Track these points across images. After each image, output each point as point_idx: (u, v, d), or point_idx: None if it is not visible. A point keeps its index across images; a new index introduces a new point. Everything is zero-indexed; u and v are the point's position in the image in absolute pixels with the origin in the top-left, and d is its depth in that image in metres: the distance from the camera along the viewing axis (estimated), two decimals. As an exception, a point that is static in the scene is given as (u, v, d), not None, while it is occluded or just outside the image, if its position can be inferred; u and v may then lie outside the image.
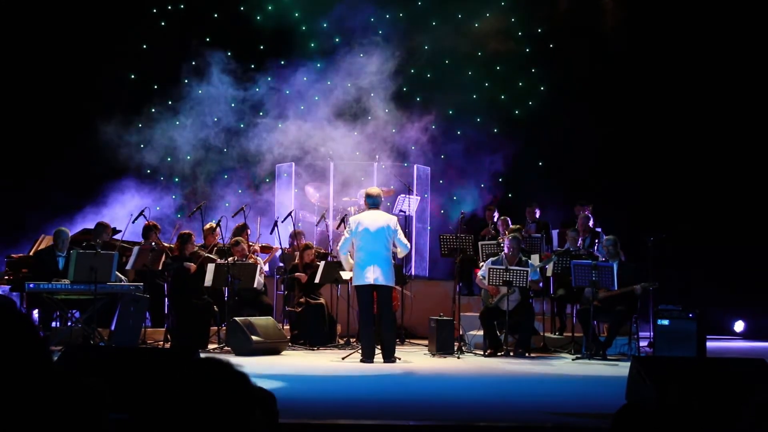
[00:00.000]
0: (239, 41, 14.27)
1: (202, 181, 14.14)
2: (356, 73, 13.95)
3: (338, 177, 13.29)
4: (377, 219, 9.07)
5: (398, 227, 9.19)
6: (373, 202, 9.22)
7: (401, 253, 9.40)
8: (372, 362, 8.78)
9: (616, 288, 9.64)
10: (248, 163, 14.33)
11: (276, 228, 11.36)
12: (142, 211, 10.88)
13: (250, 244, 11.12)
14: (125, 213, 11.69)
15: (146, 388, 1.90)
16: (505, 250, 10.06)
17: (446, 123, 14.59)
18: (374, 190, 9.55)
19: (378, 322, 9.03)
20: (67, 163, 13.18)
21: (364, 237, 8.98)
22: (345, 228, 9.61)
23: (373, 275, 8.88)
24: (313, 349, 10.07)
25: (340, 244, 9.41)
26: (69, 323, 9.37)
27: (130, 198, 13.02)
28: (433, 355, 9.63)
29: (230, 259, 10.15)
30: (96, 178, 13.21)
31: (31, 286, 8.96)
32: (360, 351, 9.02)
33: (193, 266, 10.06)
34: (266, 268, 11.23)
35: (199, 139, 14.14)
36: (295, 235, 11.57)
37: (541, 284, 10.43)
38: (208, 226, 11.21)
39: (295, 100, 14.22)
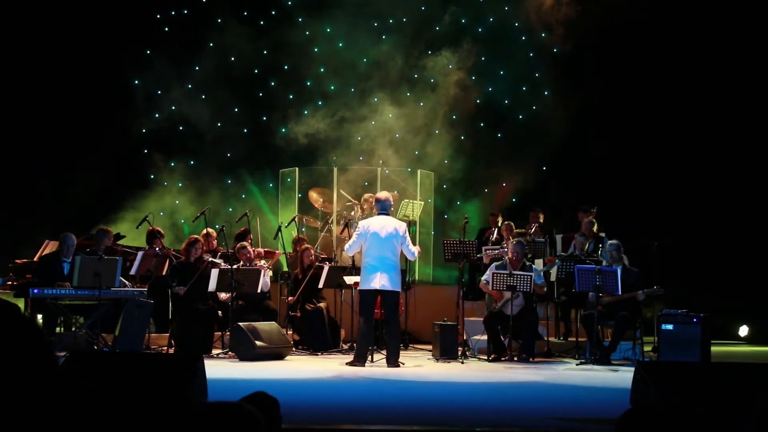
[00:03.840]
0: (240, 43, 14.32)
1: (205, 184, 14.16)
2: (360, 77, 13.99)
3: (342, 182, 13.30)
4: (386, 225, 8.96)
5: (407, 234, 9.10)
6: (382, 206, 9.13)
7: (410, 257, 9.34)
8: (364, 366, 8.69)
9: (620, 293, 9.62)
10: (251, 168, 14.35)
11: (280, 233, 11.36)
12: (146, 216, 10.89)
13: (254, 248, 11.11)
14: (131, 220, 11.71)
15: (149, 393, 1.91)
16: (509, 255, 10.05)
17: (448, 125, 14.59)
18: (384, 195, 9.36)
19: (383, 326, 8.98)
20: (70, 169, 13.22)
21: (372, 242, 8.86)
22: (352, 232, 9.49)
23: (380, 281, 8.79)
24: (317, 355, 10.07)
25: (347, 245, 9.29)
26: (73, 328, 9.38)
27: (130, 203, 13.07)
28: (437, 360, 9.61)
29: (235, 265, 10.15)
30: (96, 184, 13.24)
31: (36, 291, 8.96)
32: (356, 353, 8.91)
33: (182, 290, 9.78)
34: (270, 273, 11.22)
35: (202, 142, 14.18)
36: (298, 241, 11.57)
37: (545, 289, 10.41)
38: (204, 231, 11.18)
39: (298, 104, 14.24)
